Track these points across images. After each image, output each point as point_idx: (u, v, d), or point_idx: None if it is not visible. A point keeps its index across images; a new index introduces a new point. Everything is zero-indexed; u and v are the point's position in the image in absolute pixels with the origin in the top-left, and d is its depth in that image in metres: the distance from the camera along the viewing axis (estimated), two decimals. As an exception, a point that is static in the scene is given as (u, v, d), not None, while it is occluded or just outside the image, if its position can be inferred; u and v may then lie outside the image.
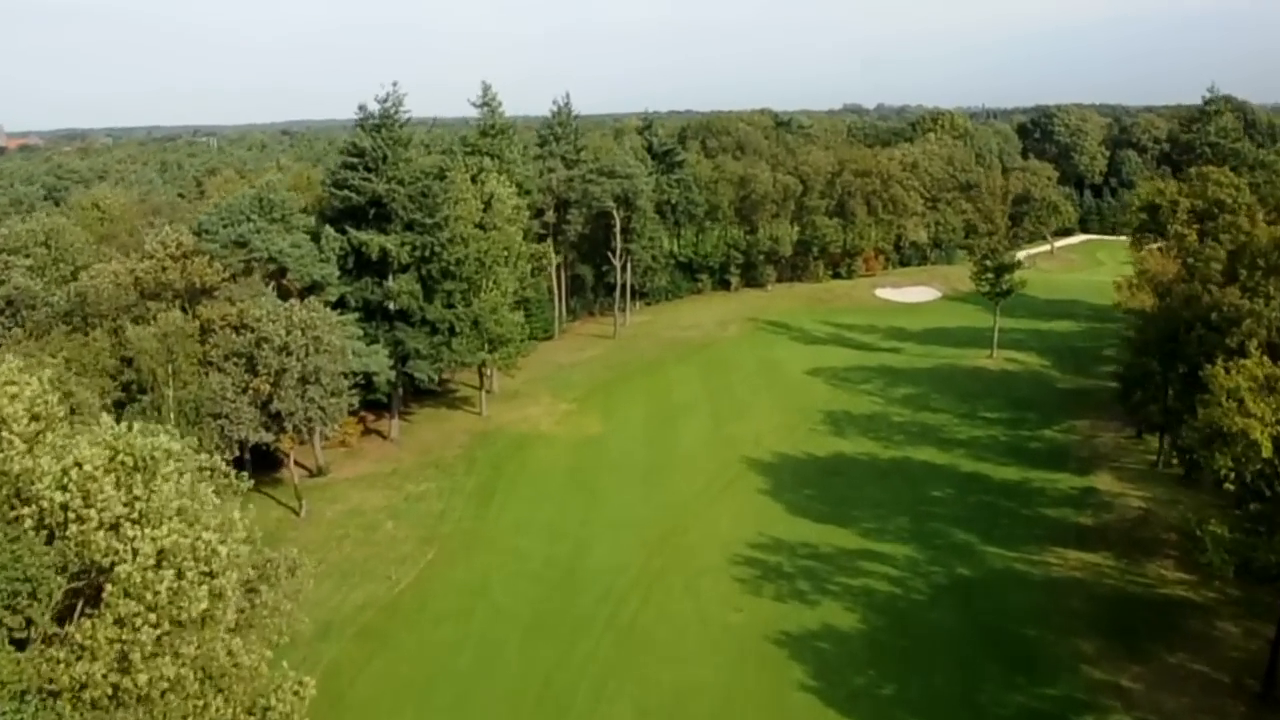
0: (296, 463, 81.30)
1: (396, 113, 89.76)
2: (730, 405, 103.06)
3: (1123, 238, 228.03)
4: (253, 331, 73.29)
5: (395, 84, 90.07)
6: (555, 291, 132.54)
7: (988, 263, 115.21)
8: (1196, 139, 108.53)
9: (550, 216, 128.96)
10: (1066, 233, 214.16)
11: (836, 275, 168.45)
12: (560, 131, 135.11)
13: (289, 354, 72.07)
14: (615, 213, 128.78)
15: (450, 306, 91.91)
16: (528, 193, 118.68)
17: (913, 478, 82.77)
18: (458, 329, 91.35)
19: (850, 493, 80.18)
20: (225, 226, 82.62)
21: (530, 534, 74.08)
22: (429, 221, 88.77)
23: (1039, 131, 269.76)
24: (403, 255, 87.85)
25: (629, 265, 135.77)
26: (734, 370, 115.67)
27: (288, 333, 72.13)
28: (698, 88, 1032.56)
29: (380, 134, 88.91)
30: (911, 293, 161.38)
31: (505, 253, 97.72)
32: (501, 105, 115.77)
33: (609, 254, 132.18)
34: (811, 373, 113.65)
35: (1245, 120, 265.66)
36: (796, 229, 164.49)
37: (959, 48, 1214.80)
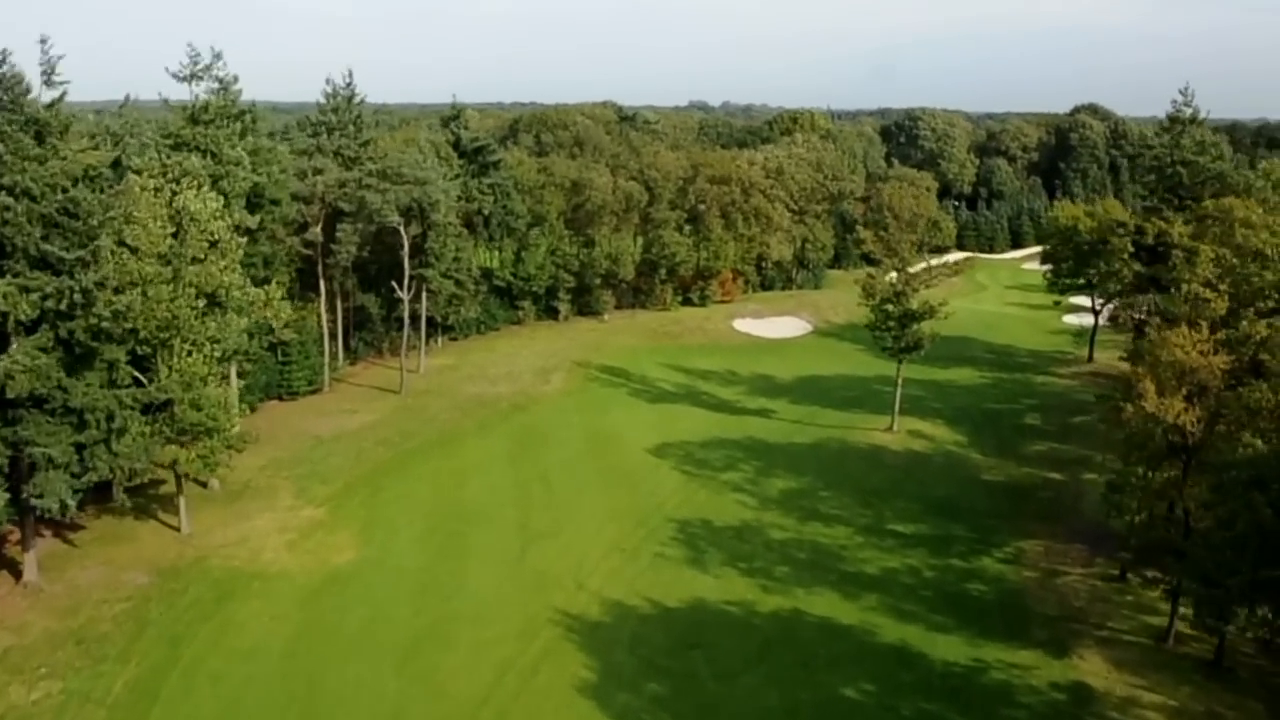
0: None
1: (16, 86, 57.15)
2: (545, 509, 73.87)
3: (1004, 256, 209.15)
4: None
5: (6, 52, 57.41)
6: (326, 330, 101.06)
7: (889, 308, 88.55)
8: (1165, 154, 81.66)
9: (316, 233, 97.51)
10: (939, 250, 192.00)
11: (688, 301, 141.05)
12: (335, 121, 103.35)
13: None
14: (402, 229, 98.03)
15: (113, 385, 60.16)
16: (275, 203, 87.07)
17: (809, 658, 54.88)
18: (123, 420, 59.55)
19: (717, 690, 51.95)
20: None
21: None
22: (72, 256, 56.71)
23: (904, 135, 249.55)
24: (23, 308, 55.58)
25: (425, 294, 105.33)
26: (554, 447, 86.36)
27: None
28: (538, 81, 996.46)
29: (-8, 116, 56.46)
30: (777, 325, 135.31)
31: (212, 297, 66.34)
32: (236, 83, 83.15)
33: (395, 283, 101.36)
34: (657, 451, 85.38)
35: (1114, 130, 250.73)
36: (641, 245, 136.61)
37: (810, 52, 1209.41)
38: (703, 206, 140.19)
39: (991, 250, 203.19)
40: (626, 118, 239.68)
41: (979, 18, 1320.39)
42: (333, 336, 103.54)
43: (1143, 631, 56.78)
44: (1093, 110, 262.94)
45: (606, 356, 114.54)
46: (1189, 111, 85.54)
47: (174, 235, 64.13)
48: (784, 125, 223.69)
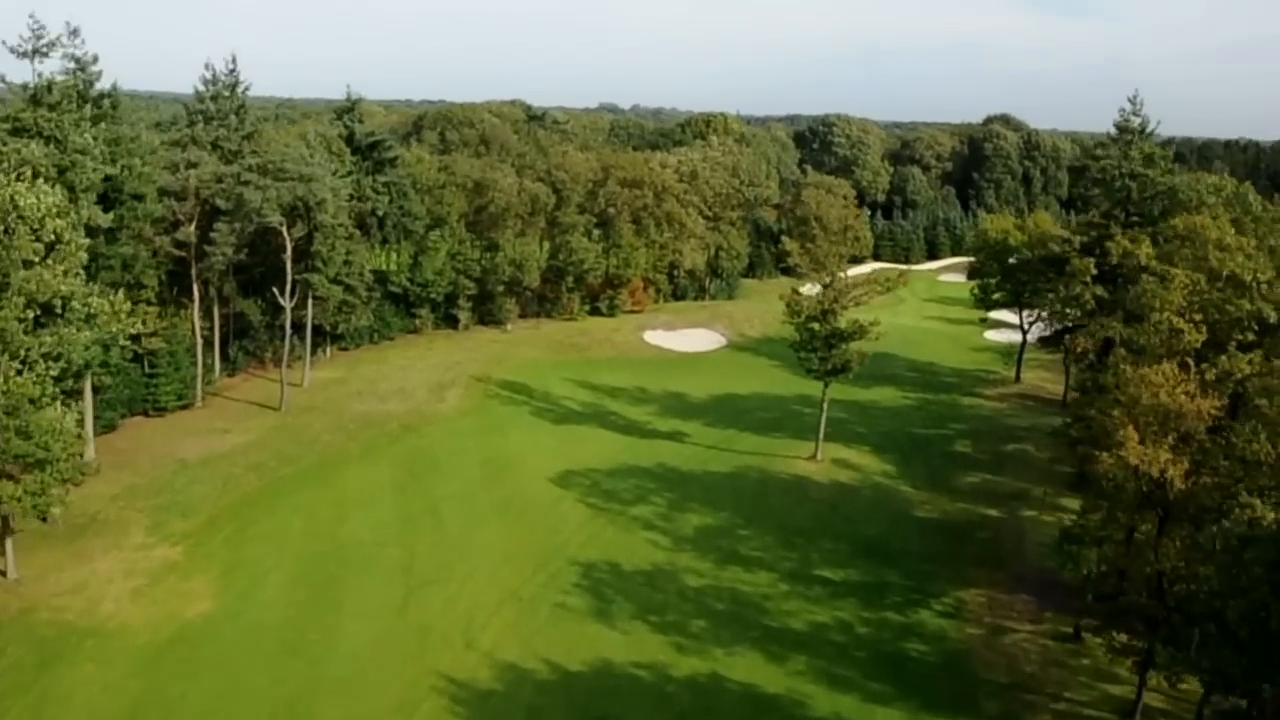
0: None
1: None
2: (433, 549, 66.03)
3: (921, 267, 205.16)
4: None
5: None
6: (200, 338, 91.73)
7: (814, 326, 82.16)
8: (1112, 167, 75.75)
9: (189, 233, 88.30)
10: (855, 260, 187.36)
11: (596, 311, 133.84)
12: (214, 110, 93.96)
13: None
14: (285, 229, 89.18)
15: (-86, 409, 51.12)
16: (137, 198, 77.86)
17: (731, 738, 48.30)
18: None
19: (625, 778, 45.02)
20: None
21: None
22: None
23: (818, 141, 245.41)
24: None
25: (311, 300, 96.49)
26: (446, 476, 78.37)
27: None
28: (449, 79, 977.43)
29: None
30: (690, 338, 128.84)
31: (48, 308, 57.29)
32: (96, 63, 73.78)
33: (275, 289, 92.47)
34: (561, 480, 78.06)
35: (1027, 141, 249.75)
36: (547, 250, 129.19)
37: (723, 59, 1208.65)
38: (613, 211, 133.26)
39: (908, 261, 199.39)
40: (535, 117, 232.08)
41: (882, 29, 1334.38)
42: (208, 346, 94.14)
43: (1105, 704, 51.09)
44: (1005, 121, 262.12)
45: (508, 370, 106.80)
46: (1137, 121, 79.42)
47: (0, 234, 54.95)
48: (697, 128, 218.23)
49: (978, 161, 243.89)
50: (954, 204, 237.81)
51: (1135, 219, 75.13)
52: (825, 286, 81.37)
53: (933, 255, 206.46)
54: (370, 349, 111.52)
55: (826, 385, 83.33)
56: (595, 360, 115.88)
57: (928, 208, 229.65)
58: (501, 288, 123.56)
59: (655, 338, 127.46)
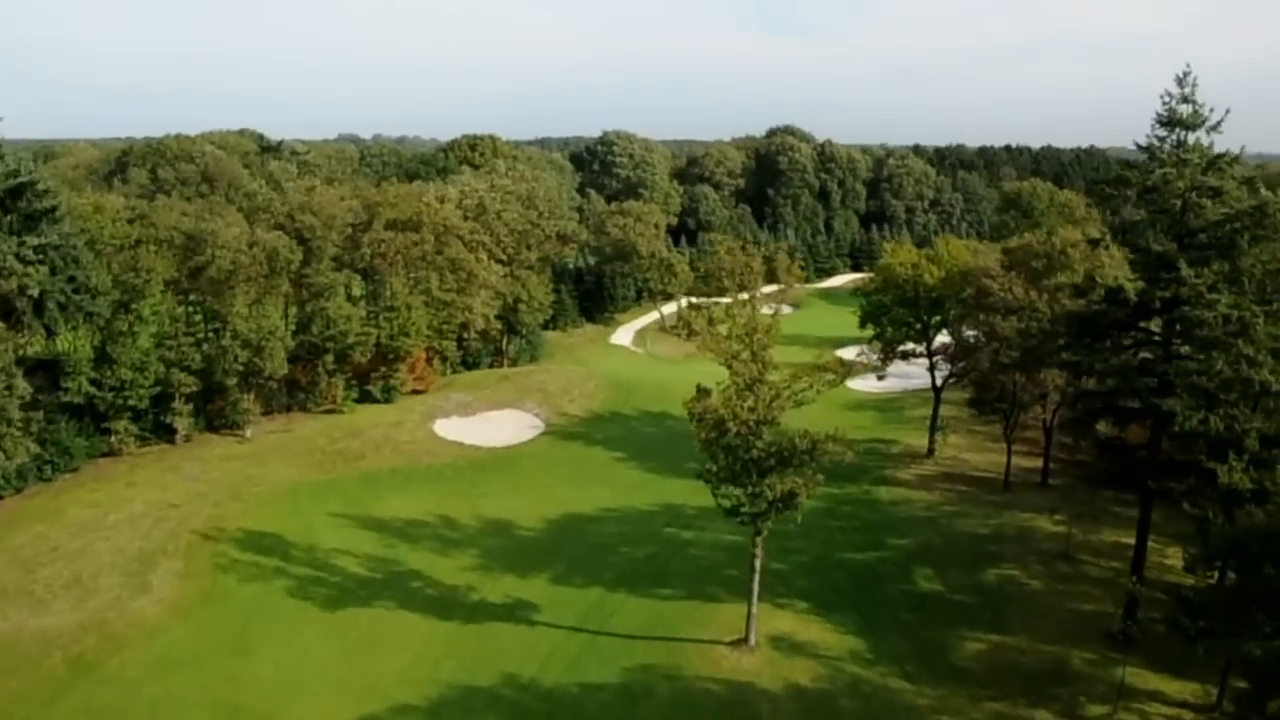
0: None
1: None
2: None
3: (740, 298, 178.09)
4: None
5: None
6: None
7: (737, 445, 52.06)
8: (1174, 177, 47.56)
9: None
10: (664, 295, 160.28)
11: (367, 397, 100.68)
12: None
13: None
14: None
15: None
16: None
17: None
18: None
19: None
20: None
21: None
22: None
23: (598, 163, 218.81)
24: None
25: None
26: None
27: None
28: (171, 118, 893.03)
29: None
30: (496, 424, 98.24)
31: None
32: None
33: None
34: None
35: (821, 153, 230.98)
36: (295, 320, 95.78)
37: (469, 85, 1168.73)
38: (382, 263, 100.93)
39: (723, 293, 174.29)
40: (269, 148, 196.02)
41: (623, 53, 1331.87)
42: None
43: None
44: (790, 132, 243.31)
45: (250, 510, 73.20)
46: (1186, 111, 51.06)
47: None
48: (461, 153, 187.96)
49: (771, 176, 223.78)
50: (750, 222, 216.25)
51: (1210, 251, 49.49)
52: (750, 384, 51.74)
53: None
54: (33, 498, 74.48)
55: (760, 533, 53.80)
56: (374, 474, 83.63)
57: (723, 228, 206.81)
58: (234, 379, 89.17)
59: (450, 428, 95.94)
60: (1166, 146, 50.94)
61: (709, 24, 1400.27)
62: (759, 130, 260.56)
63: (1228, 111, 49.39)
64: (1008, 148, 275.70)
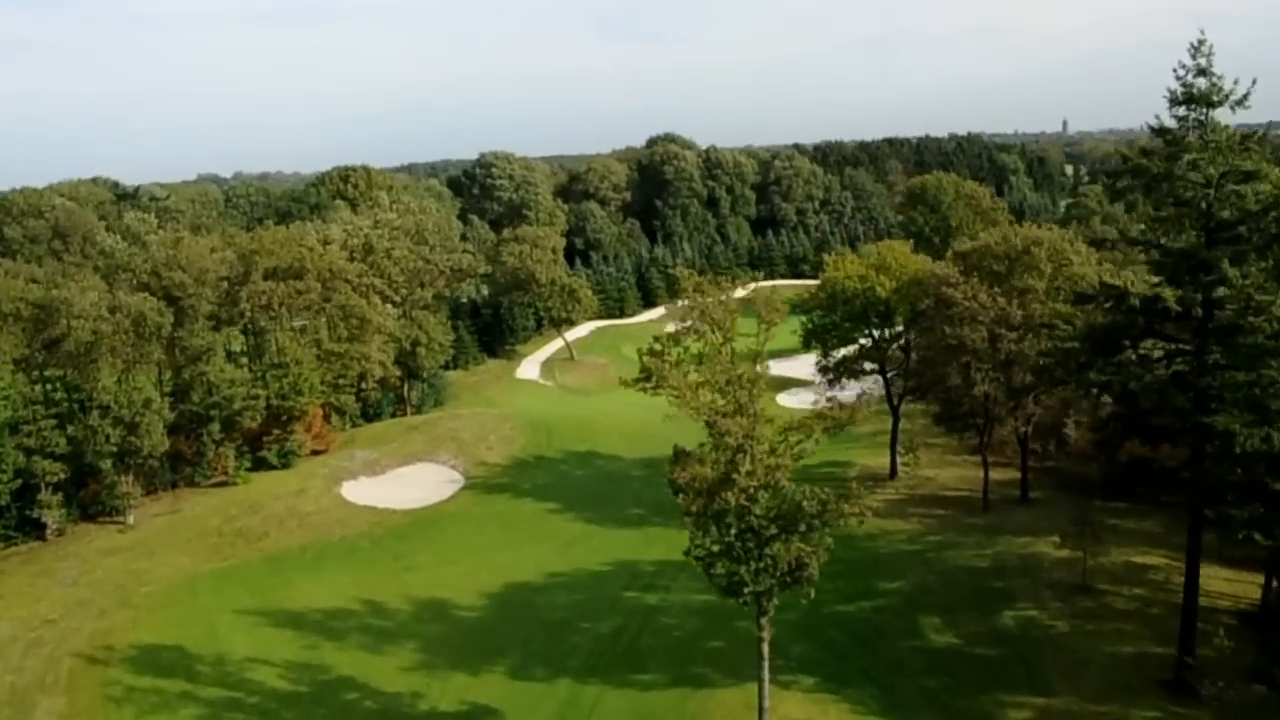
0: None
1: None
2: None
3: (638, 319, 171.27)
4: None
5: None
6: None
7: (728, 512, 44.37)
8: (1204, 162, 41.06)
9: None
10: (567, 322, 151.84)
11: (262, 464, 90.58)
12: None
13: None
14: None
15: None
16: None
17: None
18: None
19: None
20: None
21: None
22: None
23: (478, 187, 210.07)
24: None
25: None
26: None
27: None
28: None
29: None
30: (410, 481, 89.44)
31: None
32: None
33: None
34: None
35: (707, 159, 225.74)
36: (170, 384, 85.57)
37: (325, 111, 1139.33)
38: (264, 316, 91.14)
39: (623, 314, 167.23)
40: (125, 195, 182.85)
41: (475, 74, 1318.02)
42: None
43: None
44: (671, 140, 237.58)
45: (142, 617, 63.29)
46: (1204, 85, 44.43)
47: None
48: (334, 186, 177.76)
49: (657, 187, 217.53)
50: (640, 238, 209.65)
51: (1246, 246, 43.74)
52: (739, 447, 43.89)
53: (649, 304, 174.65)
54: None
55: (765, 613, 45.78)
56: (281, 555, 74.19)
57: (613, 245, 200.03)
58: (108, 460, 78.60)
59: (360, 491, 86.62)
60: (1189, 127, 44.69)
61: (569, 37, 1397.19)
62: (639, 141, 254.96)
63: (1254, 82, 43.48)
64: (889, 140, 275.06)
